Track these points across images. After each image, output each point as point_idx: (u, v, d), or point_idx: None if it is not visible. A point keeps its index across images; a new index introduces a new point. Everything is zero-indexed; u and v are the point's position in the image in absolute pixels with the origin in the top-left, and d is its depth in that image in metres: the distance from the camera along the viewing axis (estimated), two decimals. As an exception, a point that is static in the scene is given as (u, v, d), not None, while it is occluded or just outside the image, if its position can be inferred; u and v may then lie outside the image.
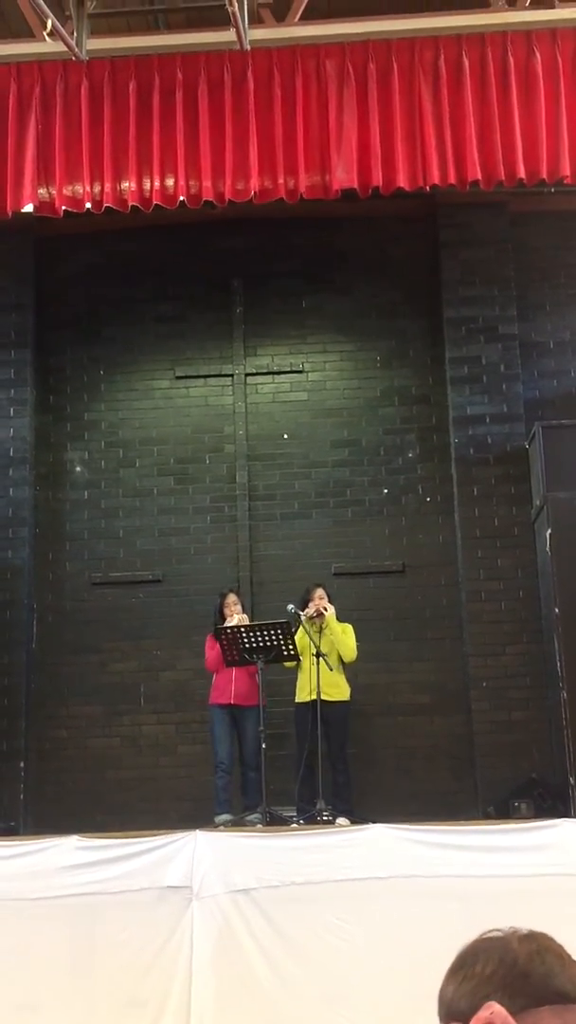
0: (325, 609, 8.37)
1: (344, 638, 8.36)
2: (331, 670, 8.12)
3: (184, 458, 10.08)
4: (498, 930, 1.53)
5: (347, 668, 8.48)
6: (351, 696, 8.50)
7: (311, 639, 8.11)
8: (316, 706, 8.04)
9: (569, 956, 1.50)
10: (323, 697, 8.05)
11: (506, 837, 6.38)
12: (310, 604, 8.41)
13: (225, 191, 7.90)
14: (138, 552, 9.92)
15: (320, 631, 8.25)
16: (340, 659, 8.33)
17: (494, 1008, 1.40)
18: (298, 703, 8.39)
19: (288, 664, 8.30)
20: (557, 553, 8.32)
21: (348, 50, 7.92)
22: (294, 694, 8.49)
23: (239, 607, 8.64)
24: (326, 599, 8.49)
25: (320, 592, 8.54)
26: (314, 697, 8.07)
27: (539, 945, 1.49)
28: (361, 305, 10.28)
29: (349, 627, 8.52)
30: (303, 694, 8.31)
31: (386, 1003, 5.70)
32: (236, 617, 8.46)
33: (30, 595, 9.66)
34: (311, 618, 8.28)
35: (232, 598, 8.71)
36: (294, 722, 8.46)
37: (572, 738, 7.90)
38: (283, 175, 7.87)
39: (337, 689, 8.27)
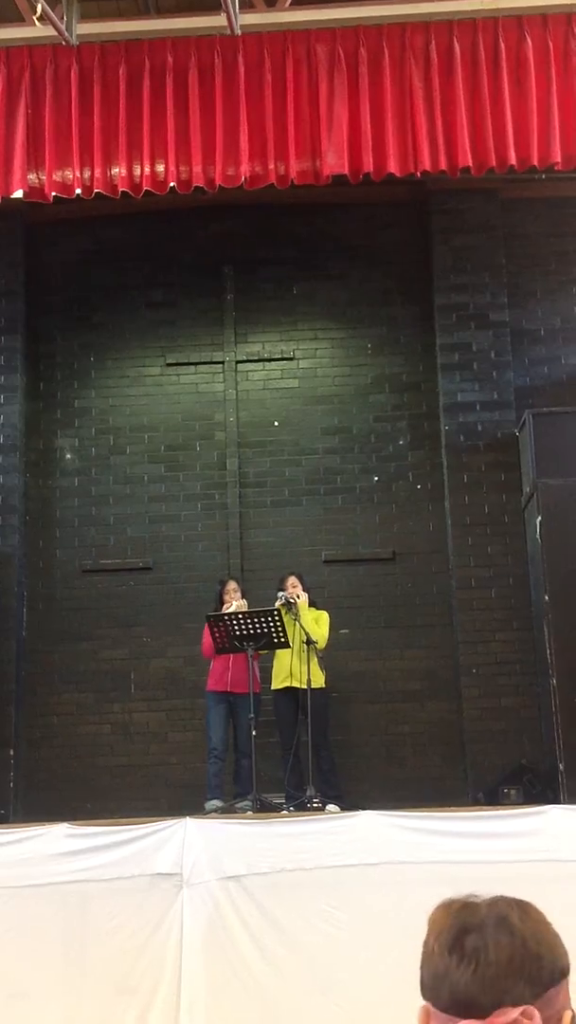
0: (297, 597, 8.36)
1: (314, 627, 8.34)
2: (320, 657, 8.12)
3: (175, 445, 10.06)
4: (473, 896, 1.49)
5: (329, 655, 8.46)
6: (329, 683, 8.50)
7: (301, 627, 8.10)
8: (294, 692, 8.12)
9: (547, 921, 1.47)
10: (301, 685, 8.07)
11: (496, 823, 6.40)
12: (280, 592, 8.42)
13: (215, 177, 7.86)
14: (129, 539, 9.90)
15: (295, 619, 8.22)
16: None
17: (532, 1013, 1.35)
18: (275, 690, 8.42)
19: (262, 651, 8.29)
20: (547, 540, 8.33)
21: (339, 35, 7.88)
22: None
23: (239, 594, 8.64)
24: (299, 587, 8.51)
25: (293, 580, 8.57)
26: (288, 684, 8.18)
27: (535, 921, 1.44)
28: (352, 292, 10.26)
29: (324, 615, 8.53)
30: (278, 681, 8.36)
31: (376, 989, 5.72)
32: (235, 604, 8.46)
33: (20, 583, 9.64)
34: (284, 607, 8.25)
35: (232, 585, 8.73)
36: (274, 709, 8.49)
37: (561, 725, 7.91)
38: (274, 161, 7.84)
39: (313, 678, 8.26)
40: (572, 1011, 1.39)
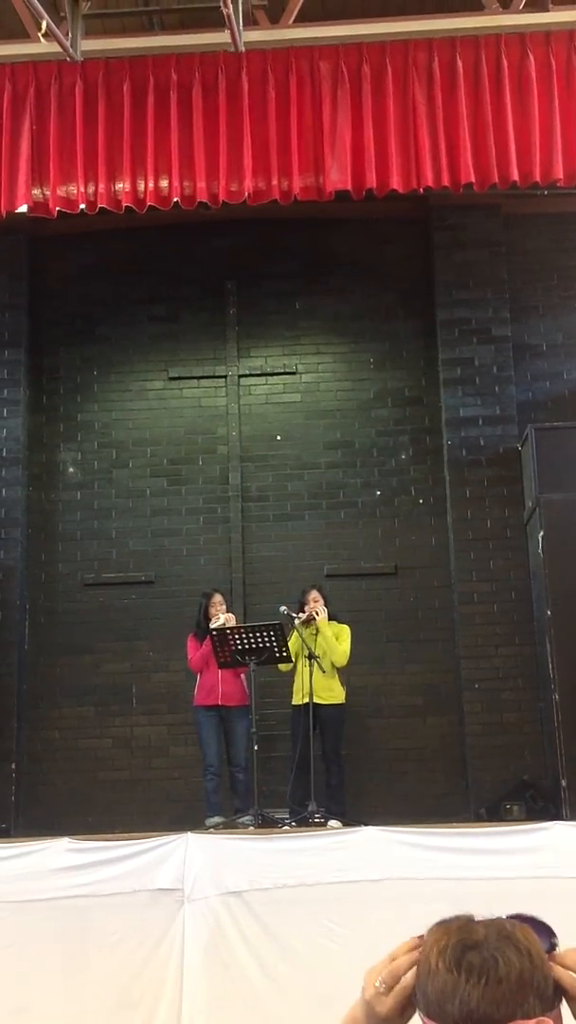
0: (317, 613, 8.34)
1: (334, 643, 8.32)
2: (324, 672, 8.11)
3: (177, 459, 10.07)
4: (459, 917, 1.49)
5: (340, 670, 8.45)
6: (346, 699, 8.47)
7: (304, 642, 8.10)
8: (309, 708, 8.04)
9: None
10: (317, 700, 8.05)
11: (498, 839, 6.38)
12: (306, 607, 8.39)
13: (219, 192, 7.89)
14: (131, 553, 9.91)
15: (315, 634, 8.22)
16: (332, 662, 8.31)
17: (546, 1023, 1.36)
18: (294, 705, 8.38)
19: (283, 667, 8.29)
20: (549, 555, 8.33)
21: (342, 52, 7.91)
22: (286, 695, 8.48)
23: (224, 607, 8.61)
24: (320, 602, 8.47)
25: (315, 595, 8.51)
26: (308, 700, 8.08)
27: (535, 941, 1.45)
28: (355, 307, 10.28)
29: (345, 629, 8.48)
30: (298, 697, 8.30)
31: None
32: (222, 617, 8.43)
33: (22, 596, 9.64)
34: (304, 623, 8.24)
35: (218, 598, 8.66)
36: (290, 724, 8.46)
37: (564, 740, 7.90)
38: (277, 176, 7.87)
39: (331, 692, 8.25)
40: None
